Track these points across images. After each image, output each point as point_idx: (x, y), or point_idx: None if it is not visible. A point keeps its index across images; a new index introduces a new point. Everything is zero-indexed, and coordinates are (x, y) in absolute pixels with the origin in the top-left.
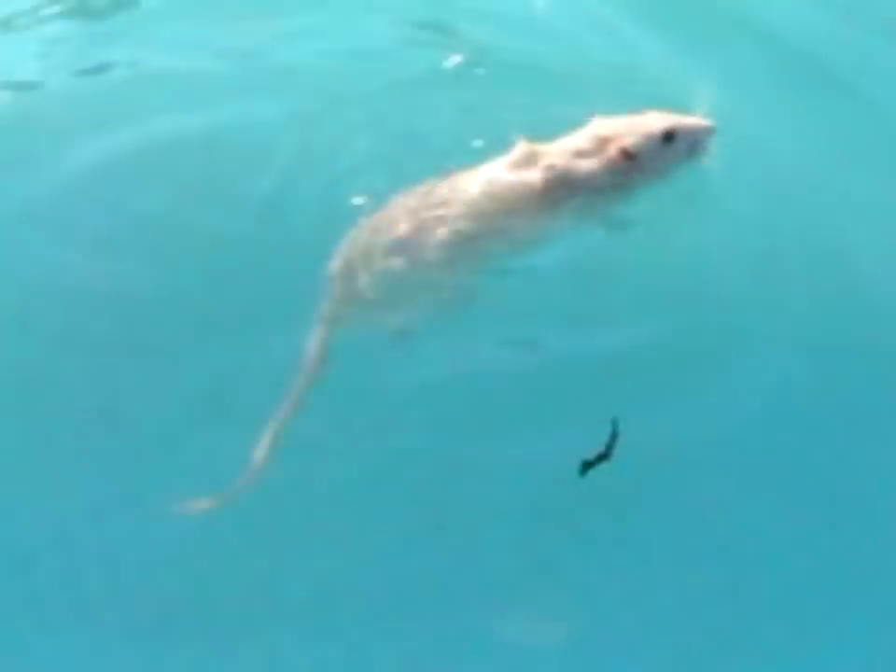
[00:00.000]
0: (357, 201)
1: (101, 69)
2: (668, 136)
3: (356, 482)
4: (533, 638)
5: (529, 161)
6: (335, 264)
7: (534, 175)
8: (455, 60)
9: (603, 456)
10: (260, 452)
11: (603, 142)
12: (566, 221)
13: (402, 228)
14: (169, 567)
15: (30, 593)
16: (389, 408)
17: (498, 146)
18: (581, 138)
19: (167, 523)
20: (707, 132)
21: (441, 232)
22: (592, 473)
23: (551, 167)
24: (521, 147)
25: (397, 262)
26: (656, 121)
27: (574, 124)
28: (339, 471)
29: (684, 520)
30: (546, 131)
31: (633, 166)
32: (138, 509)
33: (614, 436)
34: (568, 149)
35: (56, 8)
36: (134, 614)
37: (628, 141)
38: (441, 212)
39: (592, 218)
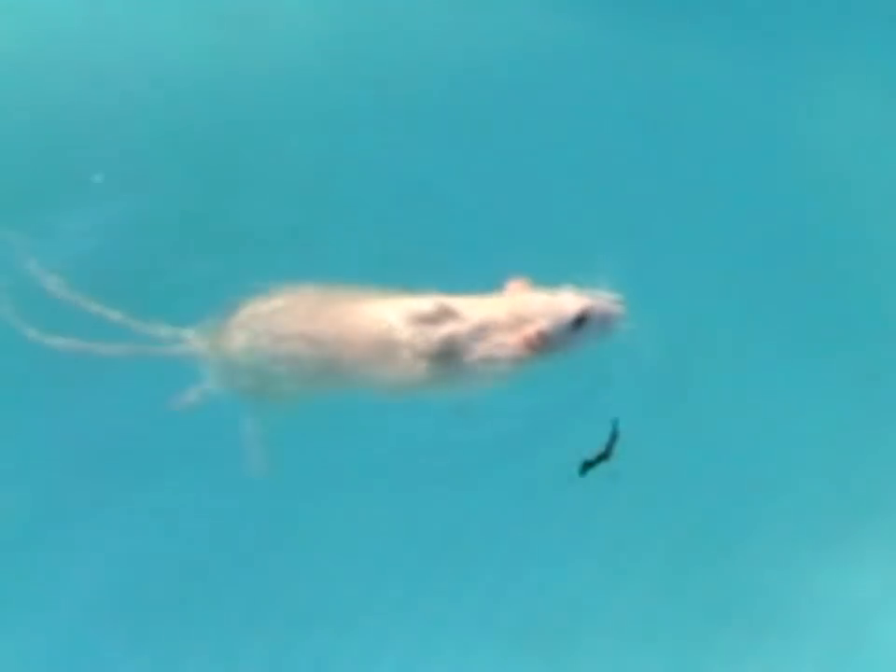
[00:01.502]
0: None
1: None
2: (580, 321)
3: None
4: None
5: (437, 317)
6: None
7: (432, 339)
8: None
9: (603, 456)
10: None
11: (517, 321)
12: (442, 387)
13: (295, 334)
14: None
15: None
16: None
17: None
18: (496, 308)
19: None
20: (618, 312)
21: (319, 355)
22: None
23: (453, 337)
24: (435, 303)
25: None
26: (570, 304)
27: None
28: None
29: None
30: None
31: (542, 350)
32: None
33: (614, 436)
34: (481, 319)
35: None
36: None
37: (542, 325)
38: (329, 336)
39: (472, 389)
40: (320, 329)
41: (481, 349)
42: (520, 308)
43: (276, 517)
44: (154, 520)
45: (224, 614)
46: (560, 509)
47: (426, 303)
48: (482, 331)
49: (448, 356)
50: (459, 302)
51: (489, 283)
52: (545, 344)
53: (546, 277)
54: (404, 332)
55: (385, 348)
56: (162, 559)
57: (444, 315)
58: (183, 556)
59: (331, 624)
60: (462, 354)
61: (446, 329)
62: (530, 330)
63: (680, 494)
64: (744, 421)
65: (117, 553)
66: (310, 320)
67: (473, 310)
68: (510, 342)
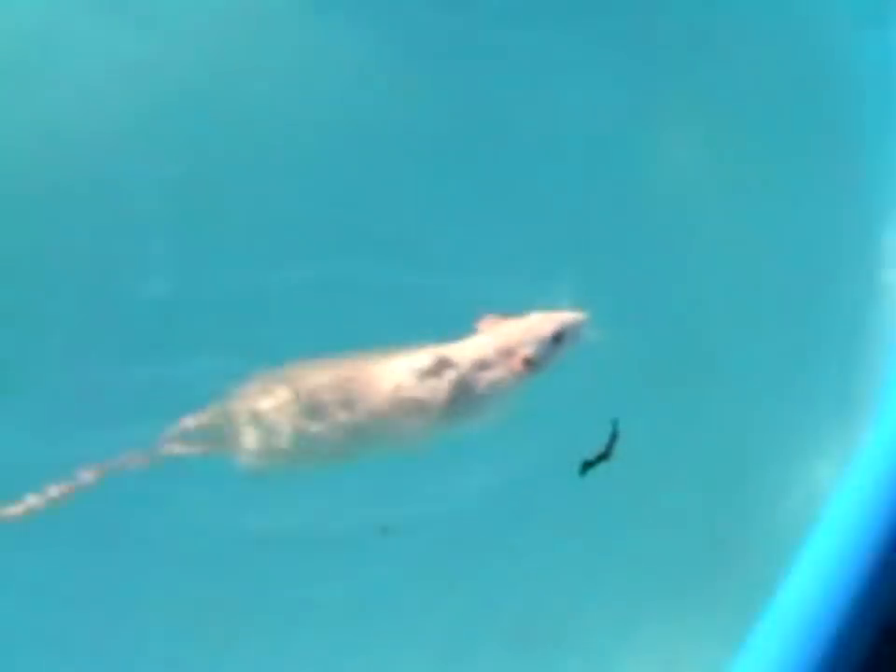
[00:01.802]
0: None
1: None
2: (557, 337)
3: None
4: None
5: (438, 369)
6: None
7: (441, 389)
8: None
9: (603, 456)
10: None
11: (504, 353)
12: (457, 426)
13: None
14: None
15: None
16: None
17: None
18: (483, 347)
19: None
20: (583, 323)
21: (337, 423)
22: None
23: (459, 382)
24: (432, 356)
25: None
26: (544, 324)
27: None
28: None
29: None
30: None
31: (531, 371)
32: None
33: (614, 436)
34: (474, 360)
35: None
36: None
37: (528, 350)
38: (344, 402)
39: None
40: (335, 399)
41: (480, 387)
42: (503, 340)
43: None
44: None
45: None
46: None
47: (424, 359)
48: (478, 371)
49: (456, 401)
50: (450, 350)
51: (462, 325)
52: (533, 367)
53: (511, 306)
54: (415, 389)
55: (401, 407)
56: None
57: (442, 365)
58: None
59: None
60: (466, 396)
61: (449, 377)
62: (518, 358)
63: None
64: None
65: None
66: (322, 392)
67: (464, 353)
68: (502, 373)
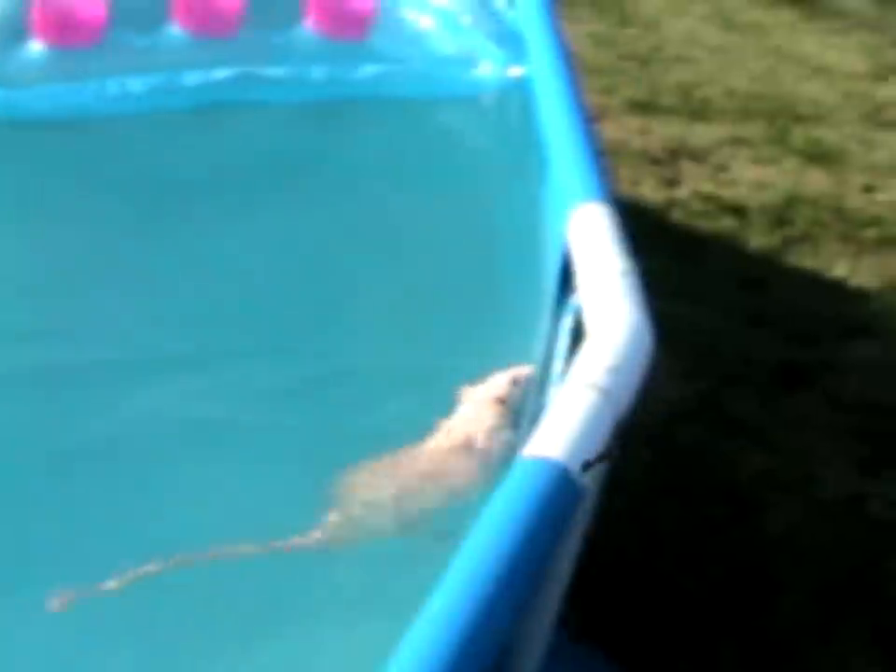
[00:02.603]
0: None
1: None
2: (515, 382)
3: None
4: None
5: (453, 445)
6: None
7: (461, 461)
8: None
9: (603, 456)
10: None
11: (484, 406)
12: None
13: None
14: None
15: None
16: None
17: None
18: (470, 409)
19: None
20: (530, 376)
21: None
22: None
23: (470, 449)
24: (445, 434)
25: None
26: (503, 376)
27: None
28: None
29: None
30: None
31: (505, 410)
32: None
33: (614, 435)
34: (468, 419)
35: None
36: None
37: (499, 392)
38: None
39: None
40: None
41: (481, 436)
42: (481, 394)
43: None
44: None
45: None
46: None
47: (442, 440)
48: (476, 430)
49: (470, 458)
50: (453, 425)
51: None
52: (505, 405)
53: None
54: (445, 463)
55: (434, 459)
56: None
57: (456, 440)
58: None
59: None
60: (476, 452)
61: (456, 432)
62: (493, 400)
63: None
64: None
65: None
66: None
67: (462, 421)
68: (488, 413)
